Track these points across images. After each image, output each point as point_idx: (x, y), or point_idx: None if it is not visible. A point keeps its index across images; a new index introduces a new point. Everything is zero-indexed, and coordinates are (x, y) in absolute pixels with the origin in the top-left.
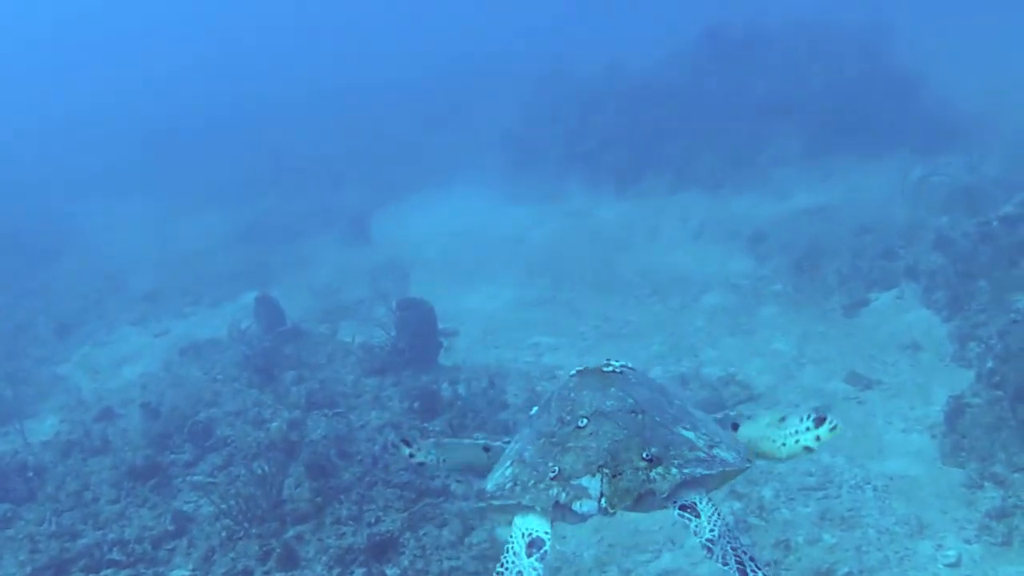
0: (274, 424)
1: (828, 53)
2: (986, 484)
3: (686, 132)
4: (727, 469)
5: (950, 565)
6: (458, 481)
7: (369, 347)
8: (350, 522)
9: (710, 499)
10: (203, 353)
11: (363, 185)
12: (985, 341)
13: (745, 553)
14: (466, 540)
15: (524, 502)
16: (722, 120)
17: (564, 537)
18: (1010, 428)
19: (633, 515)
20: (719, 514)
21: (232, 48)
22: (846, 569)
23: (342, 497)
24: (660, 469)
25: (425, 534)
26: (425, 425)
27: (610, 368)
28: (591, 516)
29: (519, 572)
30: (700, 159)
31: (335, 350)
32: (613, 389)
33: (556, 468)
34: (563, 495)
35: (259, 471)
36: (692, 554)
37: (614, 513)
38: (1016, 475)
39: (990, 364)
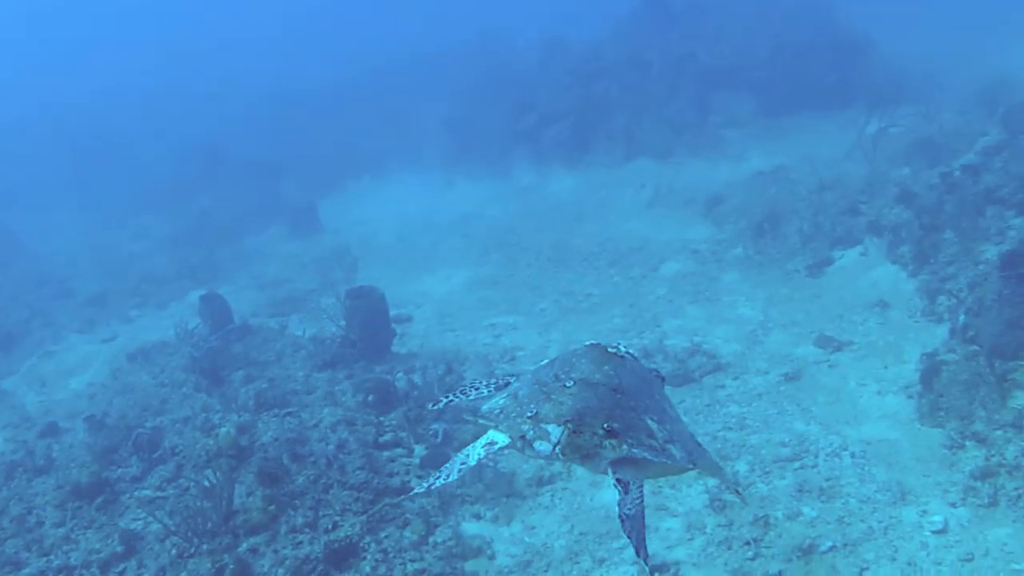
0: (223, 429)
1: (772, 15)
2: (967, 444)
3: (632, 102)
4: (670, 463)
5: (937, 532)
6: (418, 477)
7: (320, 339)
8: (306, 530)
9: (641, 483)
10: (152, 357)
11: (307, 177)
12: (955, 294)
13: (643, 544)
14: (430, 539)
15: (500, 427)
16: (668, 88)
17: (533, 528)
18: (988, 384)
19: (603, 504)
20: (642, 498)
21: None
22: (829, 543)
23: (296, 503)
24: (613, 441)
25: (386, 536)
26: (381, 419)
27: (614, 350)
28: (544, 456)
29: (468, 454)
30: (648, 128)
31: (285, 345)
32: (607, 367)
33: (534, 410)
34: (530, 432)
35: (208, 482)
36: (667, 537)
37: (562, 461)
38: (998, 432)
39: (963, 318)
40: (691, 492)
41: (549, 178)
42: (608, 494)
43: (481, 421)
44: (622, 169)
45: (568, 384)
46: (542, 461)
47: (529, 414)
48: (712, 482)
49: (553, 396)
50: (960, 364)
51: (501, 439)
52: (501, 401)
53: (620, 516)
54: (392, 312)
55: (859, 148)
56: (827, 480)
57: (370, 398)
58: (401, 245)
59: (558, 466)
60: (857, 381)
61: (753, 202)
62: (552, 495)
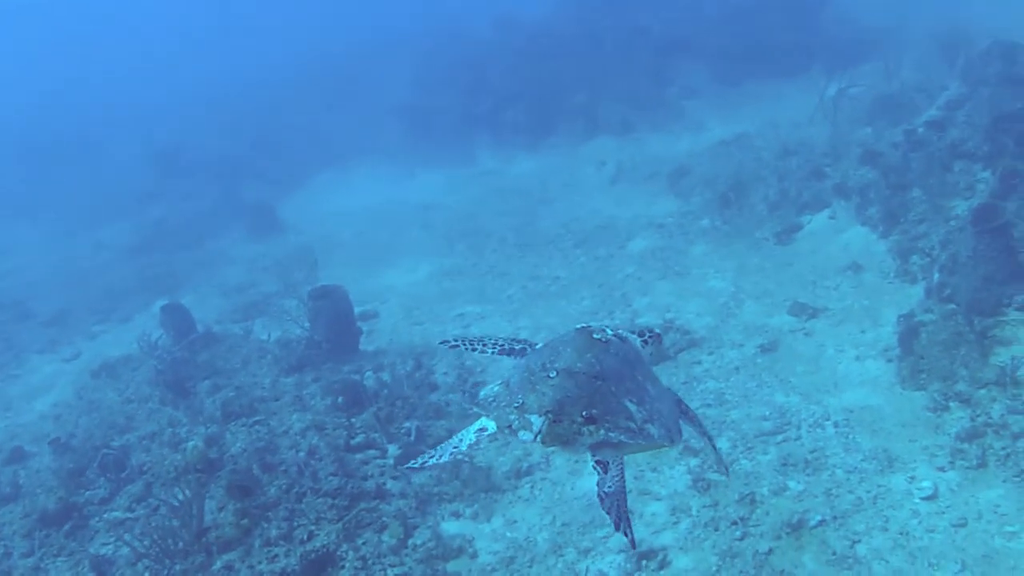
0: (190, 443)
1: None
2: (951, 405)
3: (588, 79)
4: (647, 443)
5: (927, 498)
6: (393, 478)
7: (286, 342)
8: (281, 542)
9: (621, 462)
10: (117, 373)
11: (265, 176)
12: (928, 253)
13: (625, 513)
14: (409, 542)
15: (491, 416)
16: (623, 62)
17: (514, 522)
18: (968, 342)
19: (584, 492)
20: (622, 476)
21: (116, 53)
22: (818, 517)
23: (270, 515)
24: (591, 427)
25: (364, 543)
26: (351, 421)
27: (599, 336)
28: (528, 443)
29: (462, 439)
30: (607, 104)
31: (251, 351)
32: (590, 355)
33: (521, 400)
34: (516, 422)
35: (178, 499)
36: (652, 522)
37: (544, 447)
38: (981, 391)
39: (937, 276)
40: (674, 474)
41: (510, 161)
42: (589, 481)
43: (476, 410)
44: (583, 148)
45: (552, 375)
46: (519, 452)
47: (516, 404)
48: (695, 462)
49: (538, 387)
50: (938, 324)
51: (491, 426)
52: (496, 389)
53: (599, 495)
54: (357, 309)
55: (821, 110)
56: (811, 452)
57: (339, 400)
58: (364, 239)
59: (536, 456)
60: (835, 348)
61: (717, 172)
62: (532, 486)
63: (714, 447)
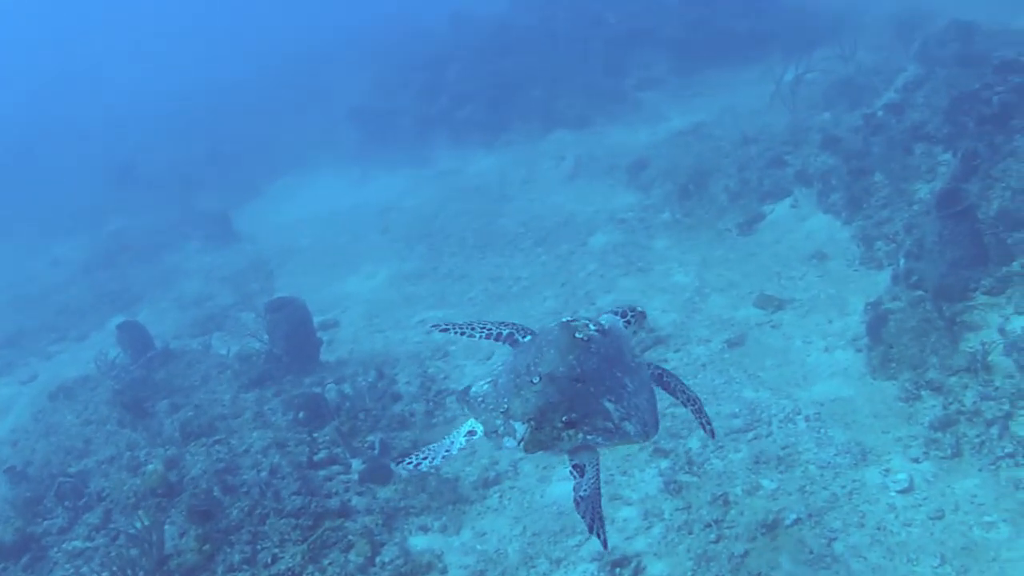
0: (150, 467)
1: None
2: (923, 393)
3: (544, 73)
4: (624, 441)
5: (903, 491)
6: (358, 494)
7: (245, 357)
8: (245, 567)
9: (597, 465)
10: (74, 394)
11: (222, 185)
12: (893, 238)
13: (600, 516)
14: (377, 560)
15: (479, 419)
16: (579, 55)
17: (484, 534)
18: (938, 329)
19: (554, 499)
20: (596, 479)
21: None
22: (793, 516)
23: (232, 539)
24: (571, 431)
25: (330, 563)
26: (314, 435)
27: (581, 336)
28: (512, 448)
29: (452, 442)
30: (563, 98)
31: (210, 367)
32: (571, 357)
33: (506, 406)
34: (501, 427)
35: (136, 527)
36: (625, 528)
37: (527, 452)
38: (953, 379)
39: (903, 262)
40: (644, 477)
41: (468, 160)
42: (558, 488)
43: (466, 409)
44: (541, 143)
45: (535, 380)
46: (485, 461)
47: (502, 409)
48: (665, 464)
49: (522, 391)
50: (907, 311)
51: (479, 430)
52: (485, 388)
53: (575, 500)
54: (318, 318)
55: (779, 97)
56: (783, 448)
57: (301, 415)
58: (322, 245)
59: (503, 464)
60: (803, 339)
61: (677, 163)
62: (500, 496)
63: (700, 411)
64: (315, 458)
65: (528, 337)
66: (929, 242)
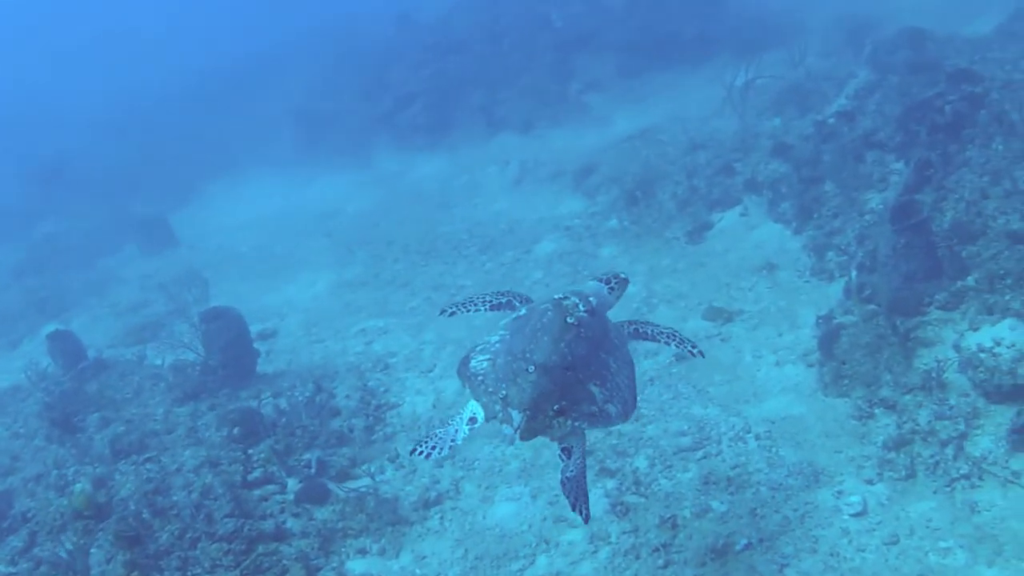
0: (77, 487)
1: None
2: (876, 412)
3: (489, 75)
4: (606, 423)
5: (857, 514)
6: (294, 515)
7: (180, 368)
8: None
9: (583, 446)
10: (3, 405)
11: (159, 187)
12: (844, 249)
13: (584, 493)
14: None
15: (481, 400)
16: (524, 57)
17: (424, 557)
18: (892, 345)
19: (497, 521)
20: (582, 460)
21: None
22: (744, 540)
23: (162, 565)
24: (561, 419)
25: None
26: (249, 452)
27: (572, 320)
28: (510, 436)
29: (456, 430)
30: (508, 101)
31: (143, 379)
32: (563, 344)
33: (504, 392)
34: (500, 414)
35: (61, 553)
36: (570, 551)
37: (523, 440)
38: (907, 397)
39: (855, 274)
40: (591, 498)
41: (411, 164)
42: (501, 509)
43: (467, 386)
44: (486, 147)
45: (530, 369)
46: (426, 480)
47: (501, 395)
48: (612, 484)
49: (519, 379)
50: (860, 326)
51: (480, 416)
52: (484, 365)
53: (561, 480)
54: (256, 327)
55: (729, 103)
56: (733, 468)
57: (235, 431)
58: (261, 251)
59: (445, 483)
60: (752, 353)
61: (624, 169)
62: (441, 517)
63: (682, 341)
64: (249, 477)
65: (524, 309)
66: (883, 255)
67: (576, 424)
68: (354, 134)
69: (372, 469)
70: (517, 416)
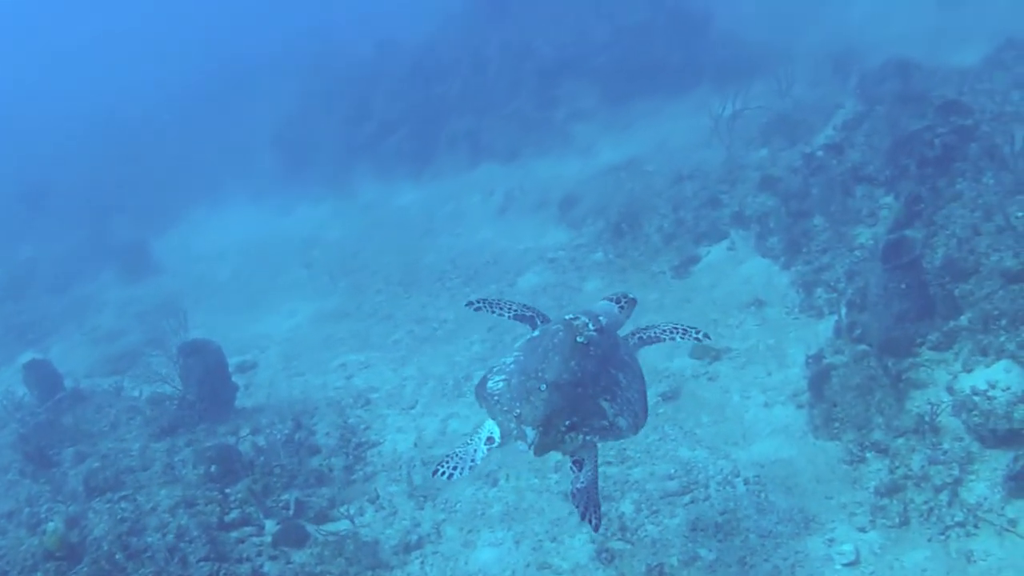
0: (50, 525)
1: (605, 2)
2: (868, 456)
3: (473, 103)
4: (617, 436)
5: (849, 564)
6: (272, 558)
7: (158, 401)
8: None
9: (595, 458)
10: None
11: (139, 212)
12: (833, 286)
13: (595, 503)
14: None
15: (497, 419)
16: (509, 85)
17: None
18: (883, 387)
19: (480, 566)
20: (595, 472)
21: None
22: None
23: None
24: (572, 434)
25: None
26: (226, 492)
27: (582, 339)
28: (524, 452)
29: (475, 450)
30: (492, 129)
31: (120, 411)
32: (573, 362)
33: (518, 411)
34: (515, 431)
35: None
36: None
37: (536, 455)
38: (899, 440)
39: (845, 313)
40: (575, 544)
41: (393, 192)
42: (483, 554)
43: (484, 406)
44: (469, 175)
45: (542, 388)
46: (407, 523)
47: (515, 414)
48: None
49: (531, 398)
50: (850, 367)
51: (496, 435)
52: (501, 385)
53: (572, 492)
54: (235, 359)
55: (715, 133)
56: (722, 514)
57: (213, 469)
58: (241, 280)
59: (426, 527)
60: (741, 393)
61: (609, 200)
62: (422, 562)
63: (685, 331)
64: (226, 518)
65: (537, 331)
66: (873, 293)
67: (587, 438)
68: (336, 161)
69: (352, 511)
70: (531, 432)
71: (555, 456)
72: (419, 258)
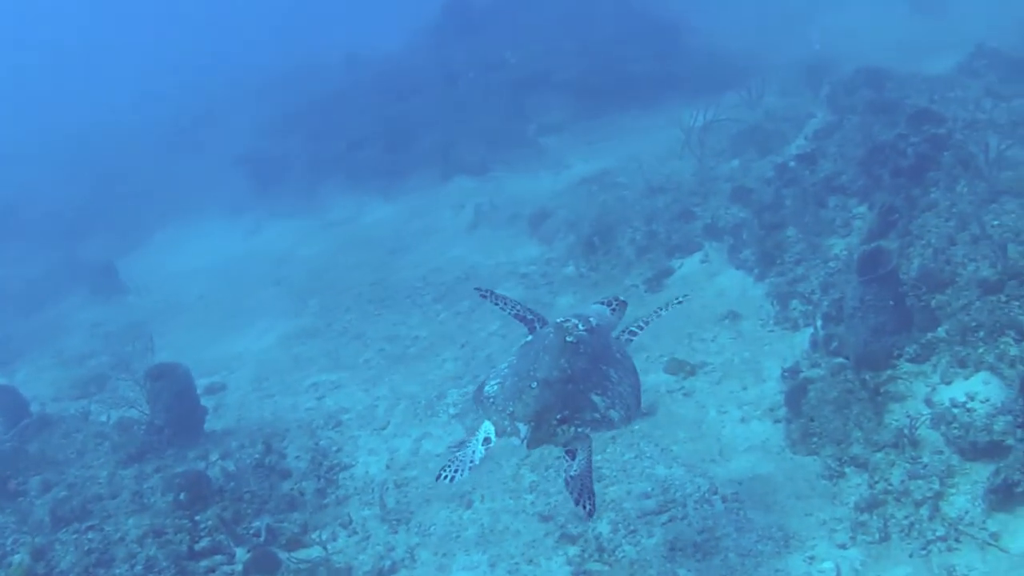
0: (16, 558)
1: (576, 15)
2: (847, 471)
3: (443, 118)
4: (609, 427)
5: None
6: None
7: (126, 426)
8: None
9: (588, 448)
10: None
11: (107, 231)
12: (808, 297)
13: (589, 489)
14: None
15: (492, 419)
16: (480, 99)
17: None
18: (861, 400)
19: None
20: (588, 461)
21: None
22: None
23: None
24: (564, 427)
25: None
26: (196, 519)
27: (571, 339)
28: (519, 445)
29: (474, 451)
30: (463, 144)
31: (88, 437)
32: (563, 360)
33: (511, 408)
34: (508, 428)
35: None
36: None
37: (529, 448)
38: (878, 455)
39: (821, 325)
40: (551, 566)
41: (364, 208)
42: None
43: (481, 409)
44: (440, 190)
45: (533, 385)
46: (380, 549)
47: (508, 411)
48: (573, 551)
49: (523, 396)
50: (827, 381)
51: (492, 434)
52: (496, 388)
53: (566, 479)
54: (204, 380)
55: (687, 145)
56: (701, 533)
57: (182, 496)
58: (210, 299)
59: (399, 552)
60: (717, 409)
61: (581, 214)
62: None
63: (664, 307)
64: (196, 547)
65: (531, 336)
66: (849, 306)
67: (579, 430)
68: (305, 178)
69: (324, 537)
70: (523, 428)
71: (530, 477)
72: (390, 275)
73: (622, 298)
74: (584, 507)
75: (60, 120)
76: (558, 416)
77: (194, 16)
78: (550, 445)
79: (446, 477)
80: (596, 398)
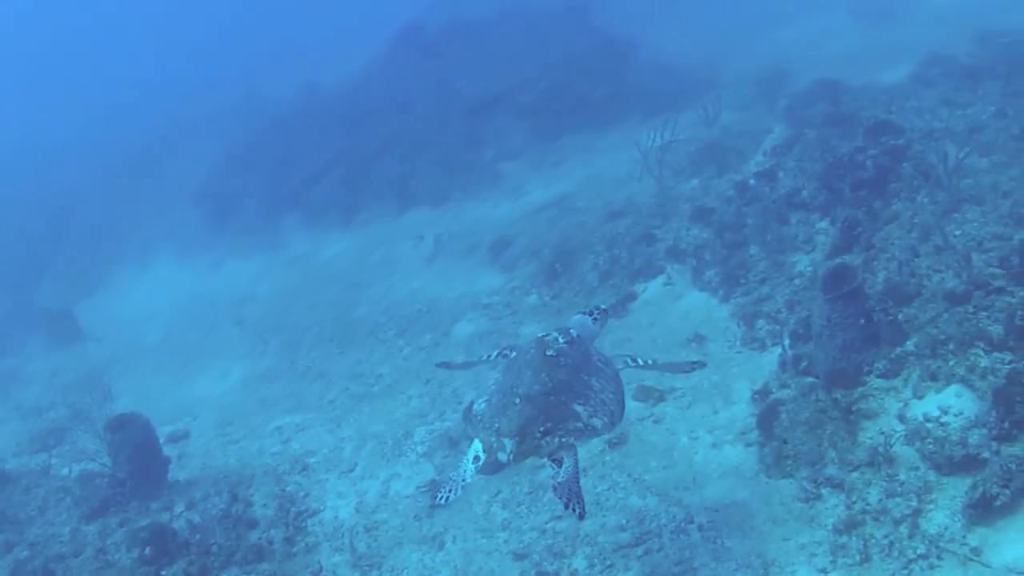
0: None
1: (532, 33)
2: (823, 492)
3: (399, 147)
4: (593, 435)
5: None
6: None
7: (88, 478)
8: None
9: (574, 456)
10: None
11: (64, 275)
12: (775, 316)
13: (577, 494)
14: None
15: (479, 436)
16: (435, 127)
17: None
18: (834, 420)
19: None
20: (574, 467)
21: None
22: None
23: None
24: (548, 438)
25: None
26: (162, 574)
27: (551, 352)
28: (504, 461)
29: (464, 470)
30: (420, 173)
31: (49, 492)
32: (544, 374)
33: (497, 425)
34: (495, 444)
35: None
36: None
37: (516, 463)
38: (854, 474)
39: (788, 344)
40: None
41: (323, 242)
42: None
43: (470, 428)
44: (398, 221)
45: (516, 401)
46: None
47: (495, 428)
48: None
49: (507, 411)
50: (798, 401)
51: (481, 453)
52: (483, 406)
53: (552, 486)
54: (167, 428)
55: (644, 166)
56: (678, 565)
57: (147, 551)
58: (171, 342)
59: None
60: (688, 435)
61: (542, 241)
62: None
63: (662, 365)
64: None
65: (514, 353)
66: (817, 325)
67: (563, 440)
68: (263, 213)
69: None
70: (508, 443)
71: (501, 514)
72: (351, 310)
73: (603, 307)
74: (574, 510)
75: (12, 164)
76: (541, 428)
77: (157, 36)
78: (536, 457)
79: (442, 499)
80: (578, 407)
